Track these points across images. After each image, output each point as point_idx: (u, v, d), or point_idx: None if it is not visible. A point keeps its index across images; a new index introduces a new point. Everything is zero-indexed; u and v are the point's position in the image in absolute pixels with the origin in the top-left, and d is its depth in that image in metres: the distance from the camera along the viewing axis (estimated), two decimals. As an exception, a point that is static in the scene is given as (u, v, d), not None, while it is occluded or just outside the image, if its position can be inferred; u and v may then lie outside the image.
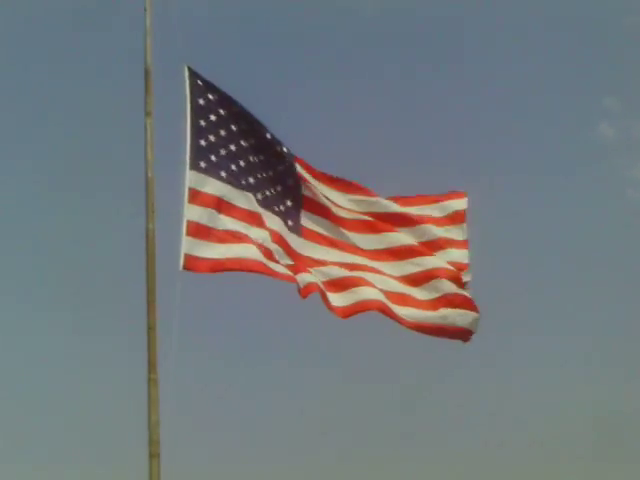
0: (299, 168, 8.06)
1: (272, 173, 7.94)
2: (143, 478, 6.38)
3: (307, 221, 8.09)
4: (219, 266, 7.14)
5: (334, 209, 8.21)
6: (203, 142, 7.41)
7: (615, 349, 20.90)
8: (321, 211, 8.17)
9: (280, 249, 7.67)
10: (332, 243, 8.14)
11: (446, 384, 20.08)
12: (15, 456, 18.59)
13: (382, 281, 8.10)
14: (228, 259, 7.18)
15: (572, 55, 25.63)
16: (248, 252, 7.28)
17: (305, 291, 7.51)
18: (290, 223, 7.95)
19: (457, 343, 8.29)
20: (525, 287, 22.40)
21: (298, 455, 19.30)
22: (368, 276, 8.04)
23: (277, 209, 7.86)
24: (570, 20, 25.29)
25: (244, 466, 18.77)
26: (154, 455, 6.40)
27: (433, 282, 8.22)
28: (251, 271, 7.29)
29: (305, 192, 8.12)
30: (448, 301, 8.18)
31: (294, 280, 7.50)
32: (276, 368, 20.80)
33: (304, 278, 7.58)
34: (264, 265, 7.33)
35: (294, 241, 7.91)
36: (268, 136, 7.92)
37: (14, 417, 19.26)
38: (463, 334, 8.25)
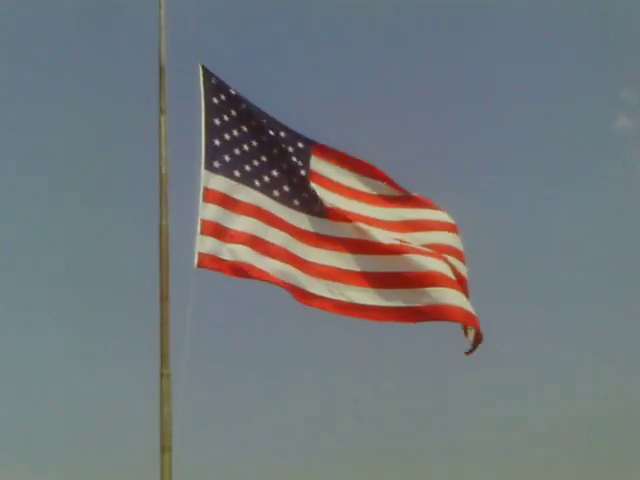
0: (314, 161, 8.06)
1: (286, 166, 7.92)
2: (155, 472, 6.48)
3: (330, 203, 8.00)
4: (239, 271, 7.17)
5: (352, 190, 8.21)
6: (217, 142, 7.46)
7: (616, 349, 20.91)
8: (336, 190, 8.14)
9: (301, 246, 7.68)
10: (357, 220, 8.02)
11: (445, 385, 20.12)
12: (31, 448, 18.75)
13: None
14: (248, 265, 7.21)
15: (590, 48, 25.55)
16: (267, 263, 7.32)
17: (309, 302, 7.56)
18: (316, 209, 7.91)
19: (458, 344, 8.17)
20: (528, 286, 22.41)
21: (309, 448, 19.39)
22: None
23: (297, 202, 7.85)
24: (587, 13, 25.21)
25: (255, 459, 18.86)
26: (166, 449, 6.45)
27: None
28: (270, 282, 7.32)
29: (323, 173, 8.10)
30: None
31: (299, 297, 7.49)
32: (288, 364, 20.87)
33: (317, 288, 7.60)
34: (280, 279, 7.36)
35: (322, 226, 7.86)
36: (281, 134, 7.93)
37: (29, 410, 19.41)
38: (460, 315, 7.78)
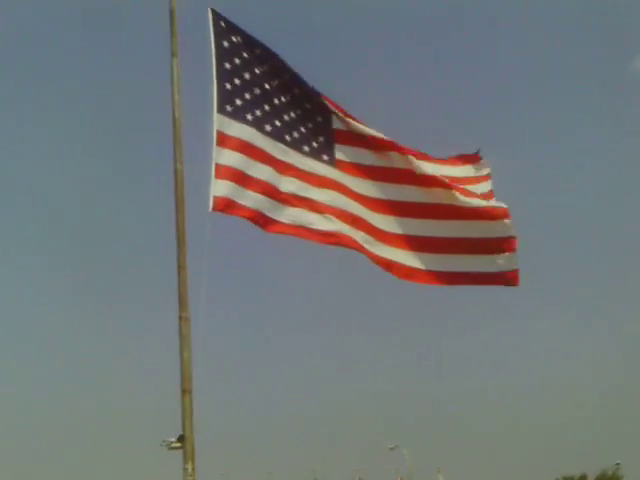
0: (327, 104, 8.06)
1: (300, 112, 7.93)
2: (177, 413, 6.59)
3: (340, 154, 8.08)
4: (255, 217, 7.28)
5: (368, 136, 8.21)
6: (229, 85, 7.43)
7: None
8: (355, 141, 8.16)
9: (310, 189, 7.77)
10: (366, 173, 8.14)
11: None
12: (59, 389, 19.20)
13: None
14: (264, 216, 7.33)
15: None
16: (284, 214, 7.49)
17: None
18: (325, 157, 7.98)
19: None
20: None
21: (316, 385, 19.72)
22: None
23: (307, 149, 7.87)
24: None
25: (272, 399, 19.20)
26: (186, 391, 6.57)
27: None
28: (289, 234, 7.53)
29: (336, 125, 8.11)
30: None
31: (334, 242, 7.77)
32: (304, 308, 21.16)
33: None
34: (304, 230, 7.60)
35: (330, 173, 7.96)
36: (292, 76, 7.92)
37: (51, 353, 19.81)
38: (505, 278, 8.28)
